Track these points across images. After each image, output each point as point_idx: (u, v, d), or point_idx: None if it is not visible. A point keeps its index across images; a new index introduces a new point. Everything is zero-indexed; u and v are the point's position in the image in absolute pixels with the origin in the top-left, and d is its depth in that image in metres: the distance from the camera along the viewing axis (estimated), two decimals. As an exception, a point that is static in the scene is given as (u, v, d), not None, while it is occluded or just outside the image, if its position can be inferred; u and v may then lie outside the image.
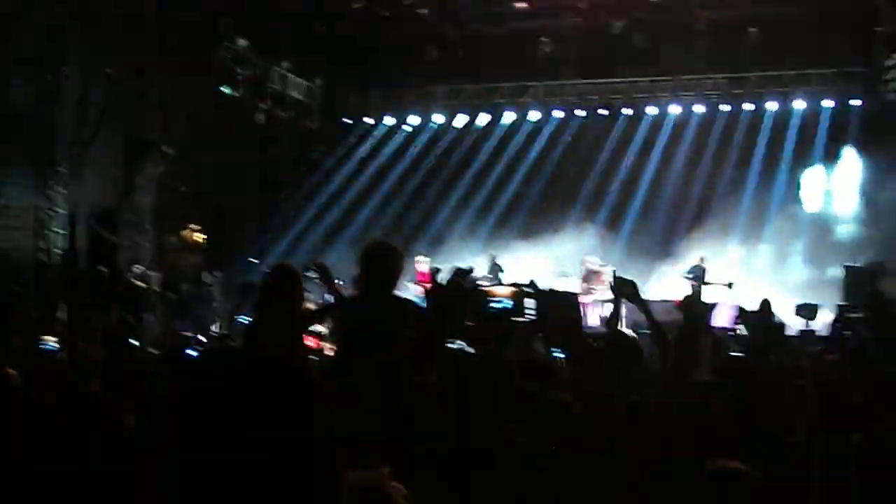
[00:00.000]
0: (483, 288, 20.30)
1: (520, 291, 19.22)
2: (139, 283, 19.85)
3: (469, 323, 7.07)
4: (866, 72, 24.12)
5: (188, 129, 22.99)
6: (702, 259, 22.46)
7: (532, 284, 13.25)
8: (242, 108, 24.90)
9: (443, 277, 5.99)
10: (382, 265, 6.34)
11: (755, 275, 22.29)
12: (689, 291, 21.22)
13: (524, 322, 15.18)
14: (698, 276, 22.03)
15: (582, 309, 20.66)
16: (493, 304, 18.61)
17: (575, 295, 5.27)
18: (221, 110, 24.40)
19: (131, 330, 13.40)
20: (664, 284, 22.00)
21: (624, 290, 6.18)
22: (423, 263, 22.33)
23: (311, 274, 7.82)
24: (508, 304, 18.76)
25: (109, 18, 20.41)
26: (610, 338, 6.32)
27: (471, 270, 5.59)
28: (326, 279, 7.43)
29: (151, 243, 21.58)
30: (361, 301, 6.45)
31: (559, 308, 6.07)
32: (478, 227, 26.04)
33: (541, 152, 26.99)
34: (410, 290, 18.46)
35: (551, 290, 6.49)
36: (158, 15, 21.03)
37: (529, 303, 17.32)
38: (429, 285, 17.43)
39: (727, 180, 25.02)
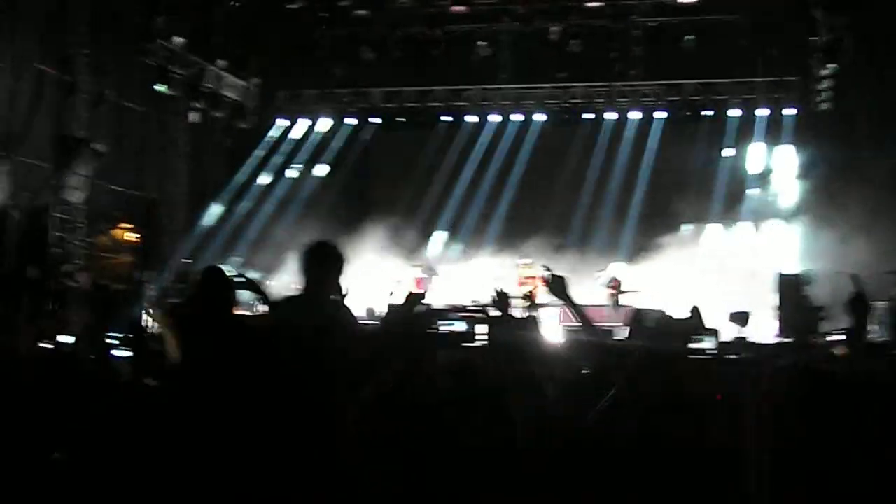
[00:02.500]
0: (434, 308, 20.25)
1: (471, 317, 19.05)
2: (69, 282, 19.57)
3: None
4: (801, 81, 24.43)
5: (120, 127, 22.73)
6: (613, 268, 22.61)
7: (483, 309, 13.26)
8: (176, 106, 24.66)
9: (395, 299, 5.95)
10: (320, 266, 6.13)
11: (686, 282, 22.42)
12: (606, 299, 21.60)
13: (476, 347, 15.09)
14: (611, 284, 22.24)
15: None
16: (445, 327, 18.55)
17: (533, 318, 5.15)
18: (155, 108, 24.15)
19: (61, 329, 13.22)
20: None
21: (555, 287, 6.03)
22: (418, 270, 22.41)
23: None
24: (461, 326, 18.61)
25: (38, 11, 20.14)
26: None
27: (423, 296, 5.54)
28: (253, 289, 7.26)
29: (83, 242, 21.27)
30: (298, 301, 6.23)
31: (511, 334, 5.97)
32: (415, 230, 25.90)
33: (480, 156, 26.94)
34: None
35: (502, 316, 6.36)
36: (91, 9, 20.79)
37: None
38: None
39: (663, 187, 25.16)
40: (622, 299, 21.99)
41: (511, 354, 5.55)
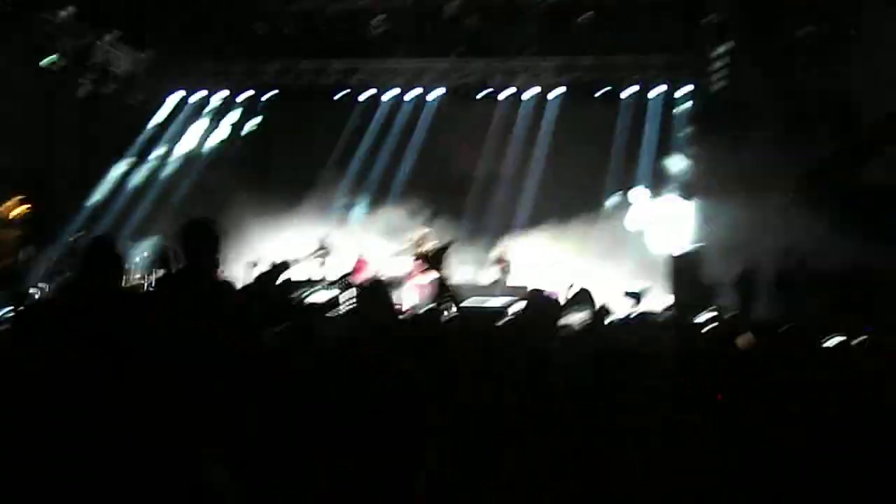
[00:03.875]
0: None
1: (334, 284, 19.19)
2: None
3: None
4: (695, 60, 24.72)
5: (7, 101, 22.21)
6: (502, 246, 22.85)
7: (343, 278, 13.32)
8: (64, 79, 24.18)
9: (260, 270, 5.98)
10: (198, 243, 6.29)
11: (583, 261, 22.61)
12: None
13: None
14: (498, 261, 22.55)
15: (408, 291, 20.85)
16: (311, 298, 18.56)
17: (384, 287, 5.20)
18: (42, 81, 23.65)
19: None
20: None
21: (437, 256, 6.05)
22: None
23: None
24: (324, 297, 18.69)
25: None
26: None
27: (286, 267, 5.63)
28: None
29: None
30: (179, 277, 6.41)
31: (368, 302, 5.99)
32: (311, 205, 25.72)
33: (375, 133, 26.92)
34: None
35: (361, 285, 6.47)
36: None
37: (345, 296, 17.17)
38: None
39: (558, 166, 25.32)
40: (509, 277, 22.23)
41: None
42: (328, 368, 5.19)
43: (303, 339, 6.43)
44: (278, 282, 5.79)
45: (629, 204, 24.47)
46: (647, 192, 24.55)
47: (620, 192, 24.78)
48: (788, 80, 22.76)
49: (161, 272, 6.52)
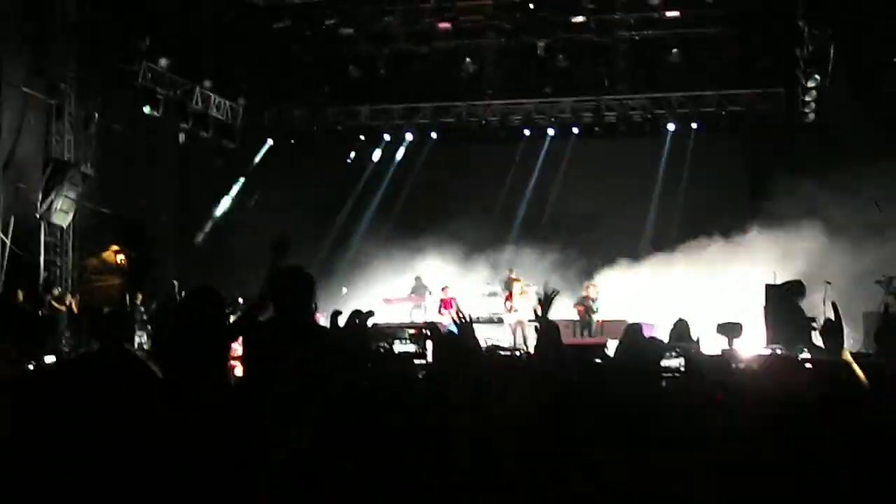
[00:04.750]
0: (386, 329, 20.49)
1: (421, 333, 19.30)
2: (58, 305, 19.58)
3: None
4: (787, 93, 24.51)
5: (108, 150, 22.76)
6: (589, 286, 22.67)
7: (431, 326, 13.44)
8: (163, 127, 24.70)
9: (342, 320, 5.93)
10: (294, 290, 6.22)
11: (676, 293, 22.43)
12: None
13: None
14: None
15: (501, 330, 20.91)
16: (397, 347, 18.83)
17: (474, 340, 5.16)
18: (142, 130, 24.18)
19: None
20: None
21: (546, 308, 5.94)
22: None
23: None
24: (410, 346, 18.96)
25: (23, 35, 20.20)
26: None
27: (370, 314, 5.57)
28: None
29: (72, 265, 21.29)
30: (274, 325, 6.31)
31: (454, 350, 5.89)
32: (403, 248, 25.87)
33: (468, 172, 27.05)
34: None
35: (449, 333, 6.32)
36: (76, 32, 20.87)
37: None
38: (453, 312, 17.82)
39: (654, 202, 25.29)
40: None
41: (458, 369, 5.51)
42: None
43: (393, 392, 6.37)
44: (366, 329, 5.74)
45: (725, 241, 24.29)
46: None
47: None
48: (880, 110, 22.41)
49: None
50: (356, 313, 5.33)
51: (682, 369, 6.32)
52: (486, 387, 5.04)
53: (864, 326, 19.75)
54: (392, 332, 20.08)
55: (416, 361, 17.35)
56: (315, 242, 26.15)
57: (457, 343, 5.41)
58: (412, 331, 20.20)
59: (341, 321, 5.49)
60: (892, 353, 5.68)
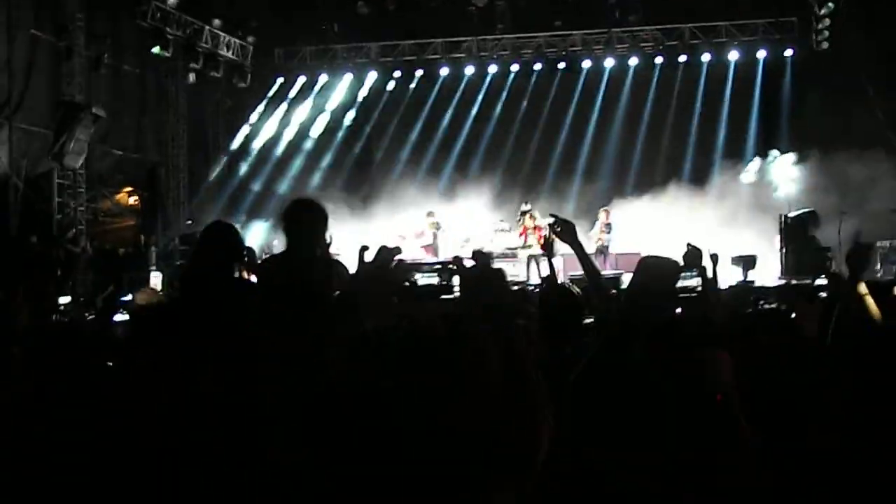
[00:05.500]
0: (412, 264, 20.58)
1: (446, 267, 19.35)
2: (73, 247, 19.63)
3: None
4: (799, 22, 24.32)
5: (118, 91, 22.74)
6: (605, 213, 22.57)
7: (457, 261, 13.44)
8: (174, 68, 24.66)
9: (369, 255, 5.85)
10: (304, 222, 6.12)
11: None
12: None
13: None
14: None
15: (515, 266, 20.93)
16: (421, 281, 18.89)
17: (501, 271, 5.09)
18: (152, 71, 24.14)
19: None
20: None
21: (564, 232, 5.93)
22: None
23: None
24: (435, 279, 19.01)
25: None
26: (544, 295, 6.12)
27: (397, 250, 5.54)
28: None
29: (85, 207, 21.35)
30: (285, 259, 6.28)
31: (482, 285, 5.85)
32: (418, 182, 25.88)
33: (479, 107, 27.03)
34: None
35: (475, 268, 6.29)
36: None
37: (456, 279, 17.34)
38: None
39: (666, 134, 25.22)
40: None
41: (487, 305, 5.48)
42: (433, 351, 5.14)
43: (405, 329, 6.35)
44: (392, 265, 5.68)
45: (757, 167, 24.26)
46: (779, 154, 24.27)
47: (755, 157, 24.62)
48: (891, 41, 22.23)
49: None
50: (384, 249, 5.28)
51: (700, 288, 6.32)
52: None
53: (880, 257, 19.82)
54: (417, 266, 20.15)
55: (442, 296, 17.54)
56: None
57: (483, 278, 5.43)
58: (437, 265, 20.30)
59: (368, 256, 5.43)
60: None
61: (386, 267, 5.33)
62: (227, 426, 4.23)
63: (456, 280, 17.53)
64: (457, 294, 16.35)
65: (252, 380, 4.71)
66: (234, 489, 3.91)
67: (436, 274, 19.57)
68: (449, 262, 19.19)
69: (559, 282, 7.14)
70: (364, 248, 6.09)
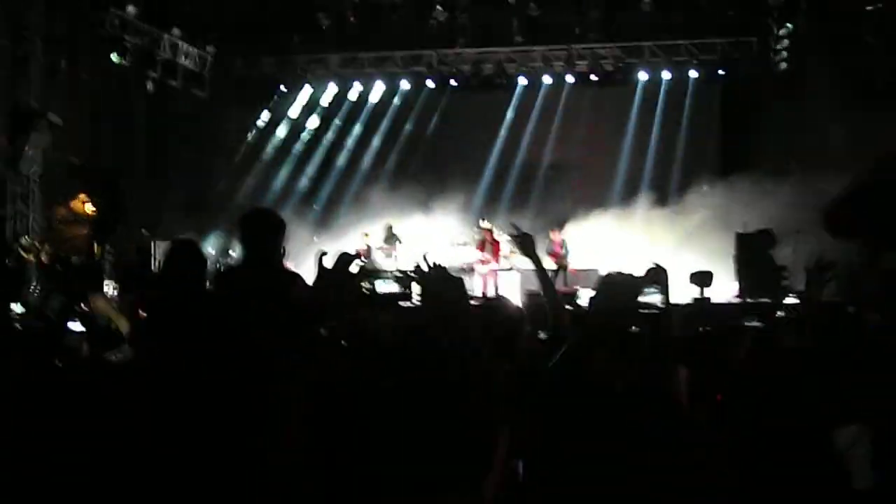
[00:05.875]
0: (371, 268, 20.55)
1: (406, 275, 19.34)
2: (26, 255, 19.41)
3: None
4: (758, 42, 24.52)
5: (75, 99, 22.53)
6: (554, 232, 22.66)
7: (418, 268, 13.39)
8: (132, 76, 24.47)
9: (327, 261, 5.82)
10: (262, 234, 6.08)
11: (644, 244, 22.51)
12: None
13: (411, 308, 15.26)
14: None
15: (471, 280, 20.92)
16: (381, 287, 18.85)
17: (460, 280, 5.08)
18: (110, 79, 23.93)
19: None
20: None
21: (523, 245, 5.96)
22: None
23: None
24: (395, 287, 18.96)
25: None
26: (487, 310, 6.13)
27: (357, 256, 5.51)
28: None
29: (39, 214, 21.12)
30: (241, 272, 6.24)
31: (443, 294, 5.83)
32: (373, 197, 25.85)
33: (437, 121, 27.05)
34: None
35: (435, 273, 6.25)
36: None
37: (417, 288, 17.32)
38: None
39: (624, 151, 25.33)
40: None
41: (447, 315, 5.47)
42: (395, 359, 5.14)
43: (365, 331, 6.35)
44: (350, 271, 5.63)
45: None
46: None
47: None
48: (853, 58, 22.42)
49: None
50: (345, 255, 5.24)
51: (661, 305, 6.31)
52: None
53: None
54: (376, 273, 20.13)
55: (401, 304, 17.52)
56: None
57: (447, 285, 5.40)
58: (397, 273, 20.29)
59: (327, 262, 5.39)
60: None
61: (345, 273, 5.29)
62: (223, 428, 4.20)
63: (415, 288, 17.53)
64: (416, 302, 16.35)
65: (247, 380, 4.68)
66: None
67: (395, 281, 19.55)
68: (409, 271, 19.19)
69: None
70: (323, 254, 6.08)
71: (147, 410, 5.10)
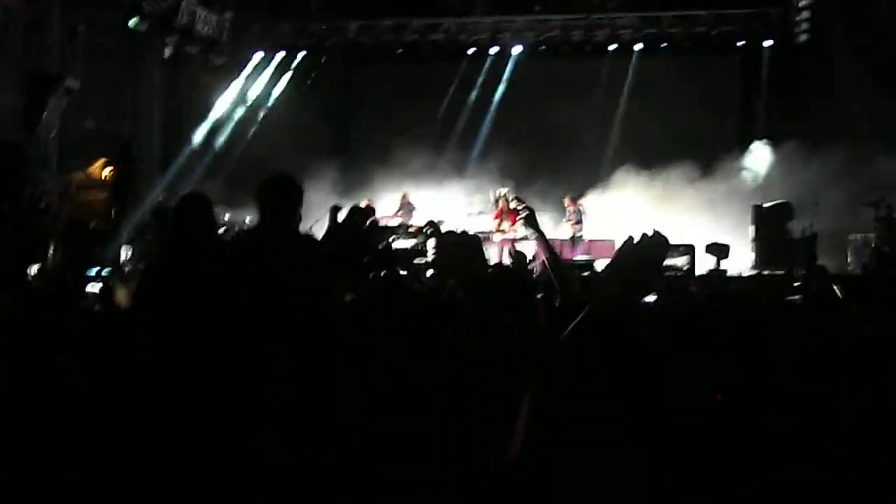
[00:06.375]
0: (385, 225, 20.56)
1: (421, 231, 19.38)
2: (45, 219, 19.48)
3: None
4: (780, 12, 24.36)
5: (93, 63, 22.51)
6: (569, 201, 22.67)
7: (432, 224, 13.29)
8: (150, 42, 24.43)
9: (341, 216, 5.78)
10: (279, 198, 6.07)
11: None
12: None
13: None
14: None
15: (488, 249, 20.90)
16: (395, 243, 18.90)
17: (477, 237, 5.05)
18: (128, 44, 23.91)
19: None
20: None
21: (526, 219, 5.94)
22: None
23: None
24: (409, 243, 19.02)
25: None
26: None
27: (371, 210, 5.51)
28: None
29: (57, 179, 21.16)
30: (257, 234, 6.22)
31: (458, 250, 5.81)
32: (393, 164, 25.79)
33: (456, 89, 26.93)
34: None
35: (451, 232, 6.22)
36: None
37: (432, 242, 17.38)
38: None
39: (643, 122, 25.19)
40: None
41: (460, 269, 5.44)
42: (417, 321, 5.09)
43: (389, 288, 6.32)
44: (364, 225, 5.58)
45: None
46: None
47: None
48: (873, 33, 22.29)
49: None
50: (356, 208, 5.20)
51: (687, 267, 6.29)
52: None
53: (851, 250, 19.91)
54: (392, 229, 20.15)
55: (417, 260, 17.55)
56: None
57: (462, 243, 5.37)
58: (412, 228, 20.30)
59: (340, 217, 5.37)
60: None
61: (358, 227, 5.26)
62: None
63: (430, 244, 17.58)
64: (430, 258, 16.40)
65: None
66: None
67: (410, 236, 19.62)
68: (423, 226, 19.22)
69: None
70: (336, 208, 6.05)
71: (147, 410, 5.12)
